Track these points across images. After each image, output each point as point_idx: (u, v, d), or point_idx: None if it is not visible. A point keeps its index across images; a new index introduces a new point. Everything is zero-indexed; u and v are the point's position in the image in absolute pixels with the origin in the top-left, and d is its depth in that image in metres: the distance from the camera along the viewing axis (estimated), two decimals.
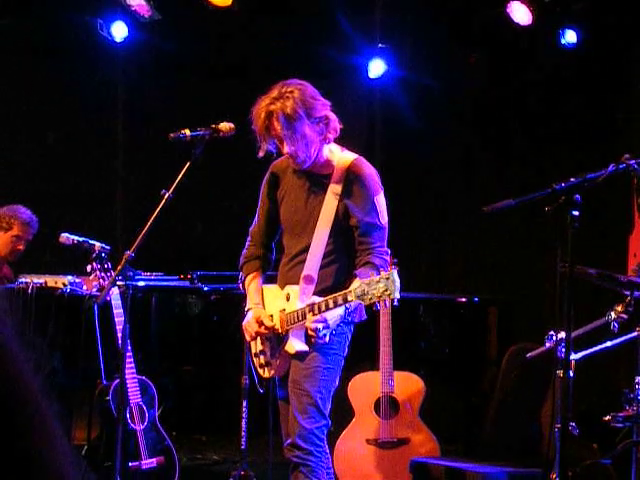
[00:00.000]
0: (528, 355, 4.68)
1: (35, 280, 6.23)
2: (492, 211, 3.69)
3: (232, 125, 4.38)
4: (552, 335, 4.28)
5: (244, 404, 5.53)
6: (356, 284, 3.94)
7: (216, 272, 7.10)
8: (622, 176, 3.77)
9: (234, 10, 7.23)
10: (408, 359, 6.16)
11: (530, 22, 7.09)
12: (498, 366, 5.96)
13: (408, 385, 5.68)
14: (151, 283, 6.86)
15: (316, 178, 4.27)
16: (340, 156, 4.28)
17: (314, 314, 4.05)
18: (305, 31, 7.81)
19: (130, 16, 7.57)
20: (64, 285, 6.20)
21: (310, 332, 4.09)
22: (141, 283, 6.69)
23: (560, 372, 4.00)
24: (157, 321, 6.87)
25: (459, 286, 7.95)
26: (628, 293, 4.27)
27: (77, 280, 6.22)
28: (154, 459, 5.38)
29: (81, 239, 5.51)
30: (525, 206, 3.68)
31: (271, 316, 4.30)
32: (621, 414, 4.27)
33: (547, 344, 4.35)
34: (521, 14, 7.10)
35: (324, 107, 4.17)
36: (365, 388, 5.66)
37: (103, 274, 5.30)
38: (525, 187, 3.86)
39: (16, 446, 0.99)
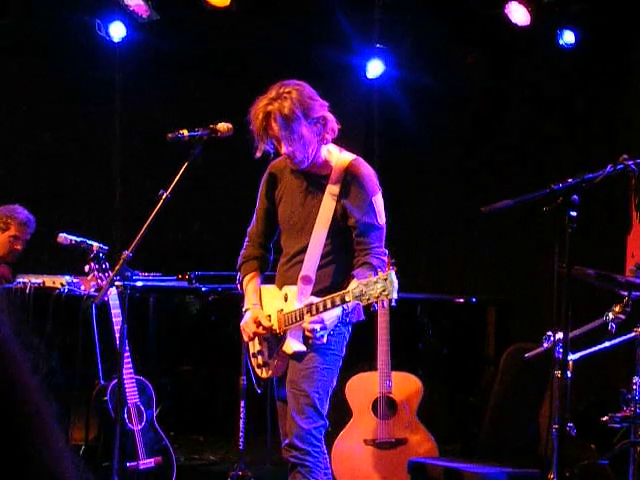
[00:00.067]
0: (526, 355, 4.68)
1: (33, 280, 6.23)
2: (490, 211, 3.68)
3: (230, 125, 4.37)
4: (550, 335, 4.28)
5: (242, 404, 5.53)
6: (354, 284, 3.94)
7: (214, 272, 7.10)
8: (620, 177, 3.77)
9: (232, 10, 7.23)
10: (406, 359, 6.16)
11: (528, 22, 7.09)
12: (496, 366, 5.97)
13: (406, 385, 5.68)
14: (149, 283, 6.86)
15: (314, 178, 4.27)
16: (338, 156, 4.28)
17: (312, 314, 4.05)
18: (303, 31, 7.81)
19: (128, 16, 7.56)
20: (62, 285, 6.20)
21: (307, 332, 4.09)
22: (139, 283, 6.69)
23: (558, 372, 4.00)
24: (155, 321, 6.87)
25: (457, 286, 7.95)
26: (626, 293, 4.27)
27: (75, 280, 6.22)
28: (152, 459, 5.38)
29: (79, 239, 5.51)
30: (523, 206, 3.68)
31: (269, 316, 4.30)
32: (619, 415, 4.27)
33: (545, 344, 4.35)
34: (519, 14, 7.10)
35: (322, 107, 4.16)
36: (363, 388, 5.65)
37: (101, 274, 5.29)
38: (524, 187, 3.86)
39: (15, 446, 0.99)
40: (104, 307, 5.27)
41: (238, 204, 5.91)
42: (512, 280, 7.74)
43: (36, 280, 6.26)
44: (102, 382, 5.54)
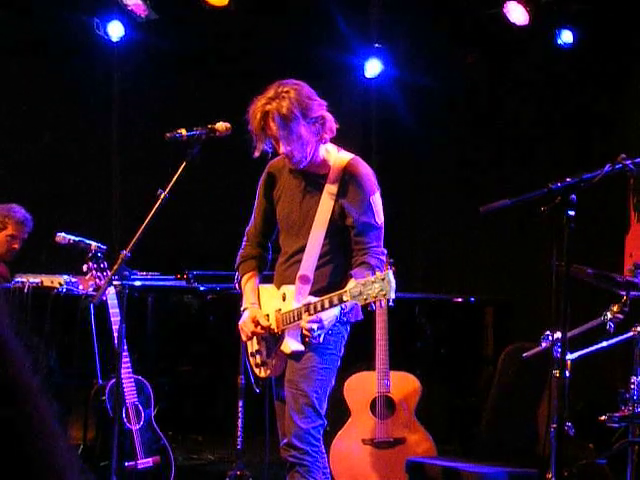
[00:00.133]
0: (524, 355, 4.68)
1: (31, 280, 6.23)
2: (488, 211, 3.69)
3: (228, 125, 4.37)
4: (548, 335, 4.28)
5: (240, 404, 5.53)
6: (352, 284, 3.94)
7: (212, 272, 7.10)
8: (618, 176, 3.77)
9: (230, 10, 7.23)
10: (404, 359, 6.16)
11: (527, 22, 7.10)
12: (494, 366, 5.97)
13: (404, 385, 5.68)
14: (147, 283, 6.86)
15: (312, 178, 4.28)
16: (336, 156, 4.28)
17: (310, 314, 4.05)
18: (301, 31, 7.81)
19: (127, 15, 7.57)
20: (60, 285, 6.20)
21: (305, 332, 4.09)
22: (137, 283, 6.69)
23: (556, 372, 4.01)
24: (153, 321, 6.87)
25: (456, 286, 7.95)
26: (624, 293, 4.27)
27: (73, 280, 6.22)
28: (150, 459, 5.38)
29: (77, 239, 5.51)
30: (522, 206, 3.69)
31: (267, 316, 4.30)
32: (617, 414, 4.28)
33: (543, 344, 4.35)
34: (518, 14, 7.10)
35: (320, 107, 4.16)
36: (361, 388, 5.65)
37: (99, 274, 5.29)
38: (522, 187, 3.86)
39: (16, 446, 0.99)
40: (102, 307, 5.27)
41: (236, 204, 5.90)
42: (511, 280, 7.74)
43: (34, 280, 6.26)
44: (100, 382, 5.54)
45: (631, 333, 4.33)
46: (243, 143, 4.21)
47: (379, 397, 5.60)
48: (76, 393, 5.85)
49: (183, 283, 7.00)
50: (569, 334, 3.78)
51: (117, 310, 5.17)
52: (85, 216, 8.33)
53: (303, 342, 4.17)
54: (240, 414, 5.54)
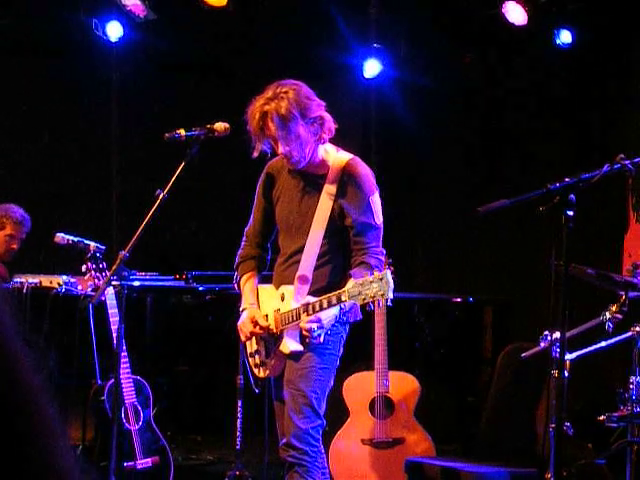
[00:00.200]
0: (523, 355, 4.68)
1: (30, 280, 6.23)
2: (487, 211, 3.69)
3: (227, 125, 4.37)
4: (547, 335, 4.28)
5: (239, 404, 5.53)
6: (350, 284, 3.94)
7: (211, 272, 7.10)
8: (617, 176, 3.78)
9: (229, 10, 7.23)
10: (403, 359, 6.16)
11: (525, 22, 7.09)
12: (493, 366, 5.97)
13: (403, 385, 5.68)
14: (146, 283, 6.86)
15: (311, 178, 4.28)
16: (335, 156, 4.29)
17: (308, 314, 4.06)
18: (300, 31, 7.81)
19: (125, 16, 7.56)
20: (59, 285, 6.20)
21: (304, 332, 4.09)
22: (136, 283, 6.70)
23: (555, 372, 4.01)
24: (152, 321, 6.87)
25: (456, 286, 7.95)
26: (623, 293, 4.27)
27: (72, 280, 6.22)
28: (149, 459, 5.38)
29: (76, 239, 5.51)
30: (520, 206, 3.69)
31: (266, 316, 4.31)
32: (616, 414, 4.28)
33: (542, 344, 4.35)
34: (516, 14, 7.10)
35: (319, 107, 4.16)
36: (360, 388, 5.65)
37: (98, 274, 5.29)
38: (521, 187, 3.86)
39: (18, 445, 0.99)
40: (101, 307, 5.27)
41: (235, 204, 5.91)
42: (510, 280, 7.74)
43: (33, 280, 6.26)
44: (99, 382, 5.54)
45: (630, 333, 4.33)
46: (242, 143, 4.21)
47: (378, 397, 5.60)
48: (75, 393, 5.85)
49: (182, 283, 7.00)
50: (568, 334, 3.78)
51: (116, 310, 5.17)
52: (84, 216, 8.33)
53: (302, 342, 4.17)
54: (239, 414, 5.54)
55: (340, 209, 4.20)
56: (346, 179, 4.22)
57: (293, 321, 4.16)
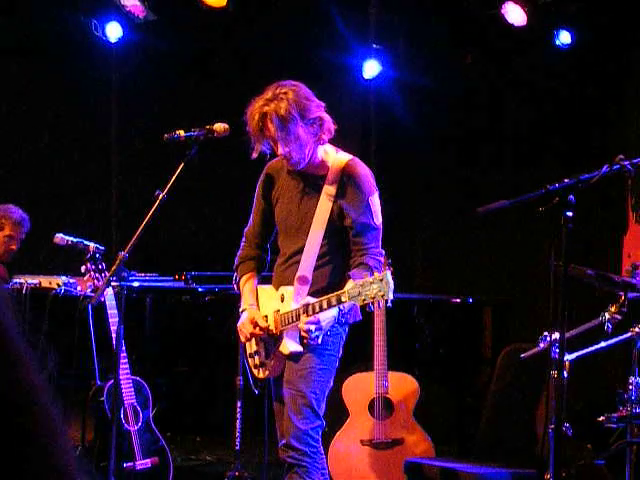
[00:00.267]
0: (522, 356, 4.68)
1: (29, 280, 6.23)
2: (486, 212, 3.68)
3: (226, 126, 4.37)
4: (546, 336, 4.28)
5: (238, 405, 5.53)
6: (350, 285, 3.94)
7: (210, 273, 7.10)
8: (616, 177, 3.77)
9: (228, 11, 7.23)
10: (402, 360, 6.16)
11: (524, 23, 7.09)
12: (492, 367, 5.97)
13: (402, 386, 5.69)
14: (145, 284, 6.86)
15: (311, 179, 4.28)
16: (335, 157, 4.29)
17: (308, 315, 4.06)
18: (299, 32, 7.81)
19: (125, 16, 7.57)
20: (58, 286, 6.20)
21: (303, 333, 4.09)
22: (135, 284, 6.70)
23: (554, 372, 4.01)
24: (151, 322, 6.87)
25: (455, 287, 7.95)
26: (622, 294, 4.27)
27: (71, 281, 6.22)
28: (148, 460, 5.38)
29: (75, 240, 5.51)
30: (520, 207, 3.69)
31: (265, 317, 4.30)
32: (615, 415, 4.28)
33: (541, 344, 4.35)
34: (516, 15, 7.10)
35: (318, 108, 4.16)
36: (359, 389, 5.66)
37: (97, 275, 5.29)
38: (521, 187, 3.86)
39: (21, 445, 0.99)
40: (100, 307, 5.27)
41: (235, 205, 5.91)
42: (510, 280, 7.74)
43: (32, 280, 6.26)
44: (98, 382, 5.54)
45: (629, 333, 4.33)
46: (241, 144, 4.21)
47: (377, 398, 5.60)
48: (74, 394, 5.85)
49: (181, 284, 7.00)
50: (567, 335, 3.78)
51: (115, 311, 5.17)
52: (84, 216, 8.34)
53: (301, 343, 4.17)
54: (238, 415, 5.54)
55: (339, 210, 4.20)
56: (345, 180, 4.22)
57: (293, 322, 4.16)
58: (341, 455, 5.59)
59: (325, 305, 4.01)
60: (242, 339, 4.38)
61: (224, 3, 7.17)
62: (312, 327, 4.04)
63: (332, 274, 4.23)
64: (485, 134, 8.06)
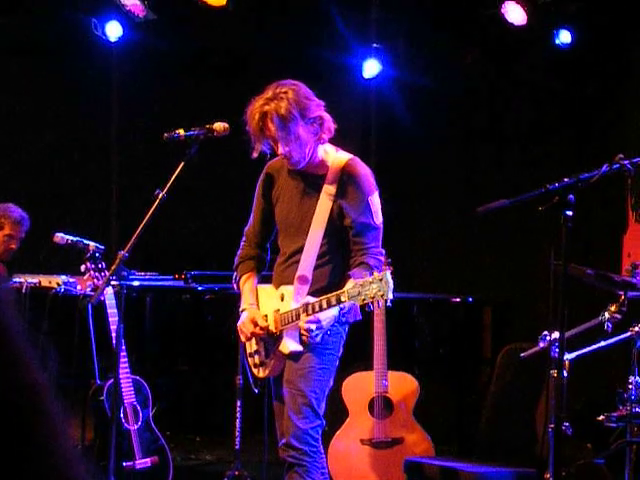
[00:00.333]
0: (521, 355, 4.68)
1: (29, 280, 6.23)
2: (486, 211, 3.69)
3: (226, 125, 4.37)
4: (546, 335, 4.29)
5: (238, 404, 5.53)
6: (350, 285, 3.94)
7: (210, 272, 7.10)
8: (616, 176, 3.78)
9: (228, 10, 7.23)
10: (402, 359, 6.16)
11: (524, 22, 7.09)
12: (492, 366, 5.97)
13: (402, 385, 5.69)
14: (145, 283, 6.86)
15: (311, 179, 4.28)
16: (335, 156, 4.29)
17: (308, 314, 4.06)
18: (300, 31, 7.81)
19: (125, 16, 7.57)
20: (58, 285, 6.20)
21: (303, 332, 4.09)
22: (135, 283, 6.70)
23: (554, 372, 4.01)
24: (151, 321, 6.87)
25: (455, 286, 7.95)
26: (622, 293, 4.28)
27: (71, 280, 6.22)
28: (148, 459, 5.38)
29: (75, 239, 5.51)
30: (520, 206, 3.69)
31: (265, 316, 4.30)
32: (615, 414, 4.28)
33: (541, 344, 4.35)
34: (515, 14, 7.10)
35: (318, 107, 4.17)
36: (359, 388, 5.66)
37: (97, 274, 5.29)
38: (521, 187, 3.86)
39: (23, 444, 0.99)
40: (100, 307, 5.27)
41: (235, 204, 5.91)
42: (509, 280, 7.74)
43: (32, 280, 6.26)
44: (98, 382, 5.54)
45: (629, 333, 4.33)
46: (241, 143, 4.21)
47: (377, 397, 5.60)
48: (74, 393, 5.85)
49: (181, 283, 7.00)
50: (567, 334, 3.78)
51: (115, 310, 5.17)
52: (84, 216, 8.33)
53: (301, 342, 4.17)
54: (238, 414, 5.54)
55: (339, 209, 4.20)
56: (345, 179, 4.22)
57: (293, 321, 4.16)
58: (341, 454, 5.59)
59: (325, 305, 4.02)
60: (242, 338, 4.38)
61: (224, 2, 7.17)
62: (312, 326, 4.04)
63: (332, 274, 4.23)
64: (485, 134, 8.06)
